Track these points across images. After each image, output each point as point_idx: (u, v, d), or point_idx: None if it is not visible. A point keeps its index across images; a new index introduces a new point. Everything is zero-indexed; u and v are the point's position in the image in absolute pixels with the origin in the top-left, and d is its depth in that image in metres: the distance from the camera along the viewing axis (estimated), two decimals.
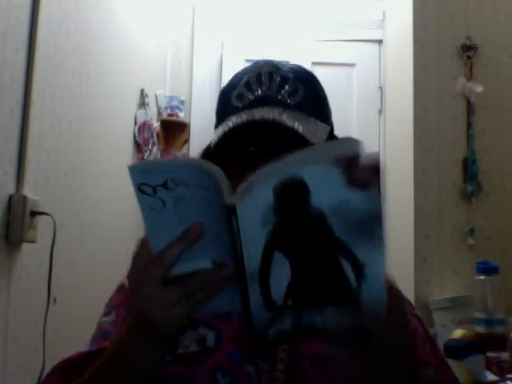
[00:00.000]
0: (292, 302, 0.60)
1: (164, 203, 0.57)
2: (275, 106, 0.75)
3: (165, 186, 0.56)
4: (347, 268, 0.58)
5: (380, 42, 3.07)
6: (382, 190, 0.55)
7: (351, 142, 0.54)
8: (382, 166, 0.56)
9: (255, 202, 0.54)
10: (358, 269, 0.58)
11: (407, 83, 2.37)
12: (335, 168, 0.54)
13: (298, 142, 0.72)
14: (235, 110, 0.77)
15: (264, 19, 3.09)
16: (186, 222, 0.58)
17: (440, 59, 2.30)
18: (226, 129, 0.75)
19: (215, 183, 0.55)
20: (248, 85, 0.79)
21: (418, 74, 2.30)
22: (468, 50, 2.29)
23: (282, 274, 0.58)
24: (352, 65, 3.08)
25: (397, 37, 2.70)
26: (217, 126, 0.82)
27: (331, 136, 0.82)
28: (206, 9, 3.14)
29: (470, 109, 2.26)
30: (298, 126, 0.72)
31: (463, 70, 2.28)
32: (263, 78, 0.78)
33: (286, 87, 0.78)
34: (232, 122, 0.75)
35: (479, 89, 2.24)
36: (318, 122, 0.77)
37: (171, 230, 0.58)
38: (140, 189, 0.57)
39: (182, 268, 0.59)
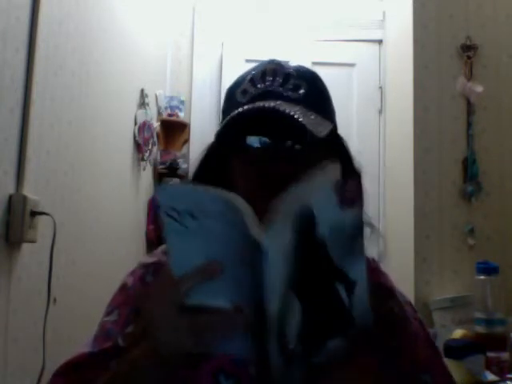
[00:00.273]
0: (303, 345, 0.58)
1: (188, 229, 0.56)
2: (277, 99, 0.76)
3: (190, 213, 0.55)
4: (342, 290, 0.58)
5: (380, 42, 3.07)
6: (363, 202, 0.57)
7: (334, 165, 0.55)
8: (361, 178, 0.58)
9: (278, 243, 0.54)
10: (350, 287, 0.58)
11: (407, 83, 2.37)
12: (331, 192, 0.55)
13: (299, 131, 0.72)
14: (239, 105, 0.78)
15: (264, 19, 3.09)
16: (208, 253, 0.57)
17: (440, 59, 2.30)
18: (227, 119, 0.76)
19: (242, 221, 0.54)
20: (252, 81, 0.80)
21: (418, 74, 2.30)
22: (468, 49, 2.29)
23: (295, 317, 0.57)
24: (352, 65, 3.08)
25: (397, 37, 2.70)
26: (223, 120, 0.82)
27: (335, 135, 0.82)
28: (206, 9, 3.14)
29: (469, 109, 2.26)
30: (299, 116, 0.72)
31: (463, 70, 2.28)
32: (267, 75, 0.80)
33: (289, 83, 0.79)
34: (233, 113, 0.76)
35: (479, 89, 2.24)
36: (319, 117, 0.77)
37: (194, 255, 0.57)
38: (166, 212, 0.56)
39: (201, 300, 0.58)
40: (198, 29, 3.13)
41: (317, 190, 0.55)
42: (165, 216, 0.55)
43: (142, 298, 0.65)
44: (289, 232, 0.54)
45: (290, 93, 0.78)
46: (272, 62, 0.82)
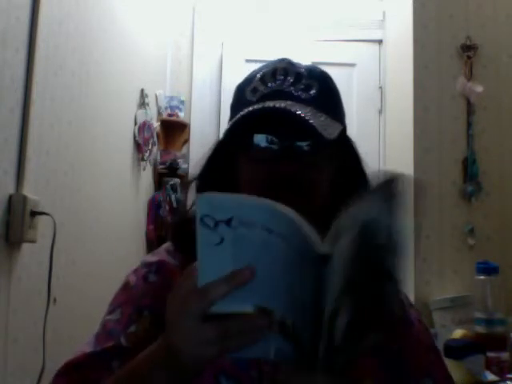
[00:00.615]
0: (347, 343, 0.60)
1: (222, 240, 0.55)
2: (288, 99, 0.75)
3: (228, 222, 0.54)
4: (387, 290, 0.61)
5: (380, 42, 3.07)
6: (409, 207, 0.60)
7: (399, 176, 0.58)
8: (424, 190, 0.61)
9: (341, 252, 0.54)
10: (395, 286, 0.61)
11: (407, 83, 2.37)
12: (387, 203, 0.57)
13: (309, 133, 0.72)
14: (249, 103, 0.77)
15: (264, 19, 3.09)
16: (239, 263, 0.56)
17: (440, 59, 2.30)
18: (237, 118, 0.75)
19: (293, 229, 0.54)
20: (263, 79, 0.79)
21: (418, 74, 2.30)
22: (468, 49, 2.29)
23: (345, 318, 0.58)
24: (352, 65, 3.08)
25: (397, 37, 2.70)
26: (231, 119, 0.81)
27: (344, 137, 0.81)
28: (206, 9, 3.14)
29: (470, 109, 2.26)
30: (310, 118, 0.72)
31: (463, 70, 2.28)
32: (278, 73, 0.79)
33: (301, 83, 0.78)
34: (243, 112, 0.75)
35: (479, 89, 2.24)
36: (329, 119, 0.76)
37: (223, 267, 0.56)
38: (202, 220, 0.54)
39: (223, 308, 0.57)
40: (198, 29, 3.13)
41: (379, 200, 0.57)
42: (200, 225, 0.54)
43: (168, 307, 0.62)
44: (350, 239, 0.55)
45: (301, 93, 0.77)
46: (283, 60, 0.81)
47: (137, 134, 2.46)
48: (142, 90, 2.56)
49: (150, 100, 2.68)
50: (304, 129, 0.72)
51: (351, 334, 0.59)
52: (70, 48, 1.66)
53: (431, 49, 2.31)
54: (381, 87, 3.03)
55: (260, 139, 0.76)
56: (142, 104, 2.57)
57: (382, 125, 3.00)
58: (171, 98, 2.98)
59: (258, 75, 0.80)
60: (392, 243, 0.59)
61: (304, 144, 0.75)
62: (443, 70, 2.30)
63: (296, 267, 0.56)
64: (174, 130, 2.96)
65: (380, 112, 3.02)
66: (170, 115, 2.93)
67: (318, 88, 0.78)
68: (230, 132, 0.75)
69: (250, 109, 0.74)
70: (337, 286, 0.55)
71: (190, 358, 0.58)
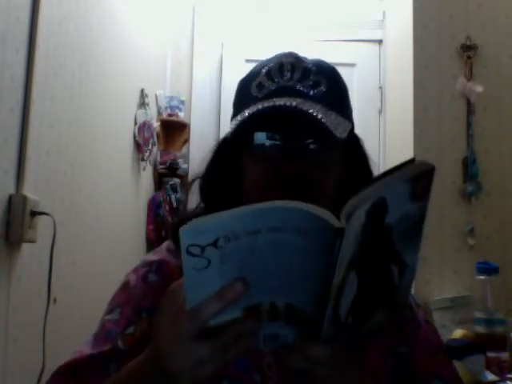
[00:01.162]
0: (351, 319, 0.60)
1: (209, 262, 0.54)
2: (296, 96, 0.72)
3: (215, 244, 0.53)
4: (395, 271, 0.62)
5: (380, 42, 3.07)
6: (429, 196, 0.62)
7: (424, 163, 0.61)
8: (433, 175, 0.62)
9: (353, 226, 0.54)
10: (403, 269, 0.63)
11: (407, 83, 2.37)
12: (407, 185, 0.58)
13: (320, 132, 0.69)
14: (255, 100, 0.74)
15: (264, 19, 3.09)
16: (227, 278, 0.56)
17: (440, 59, 2.30)
18: (245, 115, 0.72)
19: (291, 216, 0.53)
20: (269, 74, 0.76)
21: (418, 74, 2.30)
22: (468, 49, 2.29)
23: (350, 292, 0.58)
24: (352, 65, 3.08)
25: (397, 37, 2.70)
26: (234, 115, 0.78)
27: (352, 134, 0.79)
28: (206, 9, 3.14)
29: (470, 109, 2.26)
30: (322, 117, 0.69)
31: (463, 70, 2.28)
32: (285, 69, 0.75)
33: (308, 79, 0.75)
34: (251, 110, 0.72)
35: (479, 89, 2.24)
36: (339, 117, 0.74)
37: (211, 286, 0.56)
38: (188, 250, 0.53)
39: (213, 321, 0.56)
40: (197, 29, 3.13)
41: (393, 183, 0.57)
42: (186, 255, 0.53)
43: (155, 332, 0.60)
44: (362, 217, 0.55)
45: (309, 90, 0.74)
46: (290, 54, 0.78)
47: (137, 134, 2.46)
48: (142, 90, 2.56)
49: (150, 100, 2.67)
50: (315, 128, 0.69)
51: (356, 311, 0.60)
52: (70, 48, 1.66)
53: (431, 49, 2.31)
54: (381, 87, 3.03)
55: (267, 138, 0.73)
56: (142, 104, 2.56)
57: (382, 125, 3.00)
58: (171, 98, 2.97)
59: (264, 70, 0.77)
60: (404, 225, 0.59)
61: (313, 143, 0.72)
62: (443, 70, 2.30)
63: (296, 249, 0.55)
64: (174, 129, 2.96)
65: (380, 112, 3.02)
66: (170, 115, 2.93)
67: (327, 84, 0.75)
68: (237, 130, 0.72)
69: (260, 107, 0.71)
70: (345, 260, 0.55)
71: (189, 380, 0.57)
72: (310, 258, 0.55)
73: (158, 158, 2.89)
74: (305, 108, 0.69)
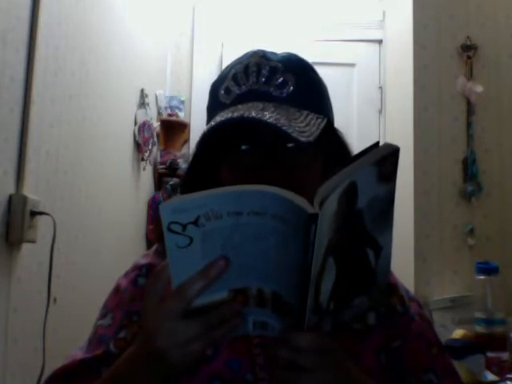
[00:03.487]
0: (333, 305, 0.61)
1: (191, 240, 0.55)
2: (262, 100, 0.71)
3: (195, 222, 0.55)
4: (370, 255, 0.63)
5: (380, 42, 3.07)
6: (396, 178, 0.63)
7: (389, 145, 0.62)
8: (398, 157, 0.62)
9: (327, 212, 0.55)
10: (378, 252, 0.64)
11: (407, 83, 2.37)
12: (374, 168, 0.59)
13: (282, 137, 0.68)
14: (222, 106, 0.73)
15: (264, 19, 3.09)
16: (210, 257, 0.57)
17: (440, 59, 2.30)
18: (211, 125, 0.71)
19: (271, 201, 0.54)
20: (235, 78, 0.74)
21: (418, 74, 2.30)
22: (468, 49, 2.29)
23: (329, 279, 0.59)
24: (352, 65, 3.08)
25: (397, 37, 2.70)
26: (208, 121, 0.78)
27: (331, 128, 0.77)
28: (206, 9, 3.14)
29: (470, 109, 2.26)
30: (283, 124, 0.67)
31: (463, 70, 2.28)
32: (250, 71, 0.74)
33: (275, 79, 0.73)
34: (215, 120, 0.71)
35: (479, 89, 2.24)
36: (310, 115, 0.72)
37: (195, 265, 0.57)
38: (169, 228, 0.54)
39: (200, 300, 0.58)
40: (198, 29, 3.13)
41: (361, 167, 0.58)
42: (167, 232, 0.55)
43: (143, 311, 0.62)
44: (334, 203, 0.56)
45: (276, 90, 0.72)
46: (256, 53, 0.76)
47: (137, 134, 2.46)
48: (142, 90, 2.56)
49: (150, 100, 2.68)
50: (277, 135, 0.68)
51: (337, 297, 0.61)
52: (70, 48, 1.66)
53: (431, 49, 2.31)
54: (381, 87, 3.03)
55: (235, 148, 0.73)
56: (142, 104, 2.57)
57: (382, 125, 3.00)
58: (171, 98, 2.98)
59: (231, 74, 0.76)
60: (374, 207, 0.61)
61: (281, 149, 0.71)
62: (443, 70, 2.30)
63: (277, 235, 0.56)
64: (173, 129, 2.96)
65: (380, 112, 3.02)
66: (170, 115, 2.93)
67: (295, 82, 0.73)
68: (202, 142, 0.71)
69: (223, 118, 0.69)
70: (322, 247, 0.56)
71: (178, 359, 0.58)
72: (289, 244, 0.56)
73: (158, 158, 2.89)
74: (265, 117, 0.68)
